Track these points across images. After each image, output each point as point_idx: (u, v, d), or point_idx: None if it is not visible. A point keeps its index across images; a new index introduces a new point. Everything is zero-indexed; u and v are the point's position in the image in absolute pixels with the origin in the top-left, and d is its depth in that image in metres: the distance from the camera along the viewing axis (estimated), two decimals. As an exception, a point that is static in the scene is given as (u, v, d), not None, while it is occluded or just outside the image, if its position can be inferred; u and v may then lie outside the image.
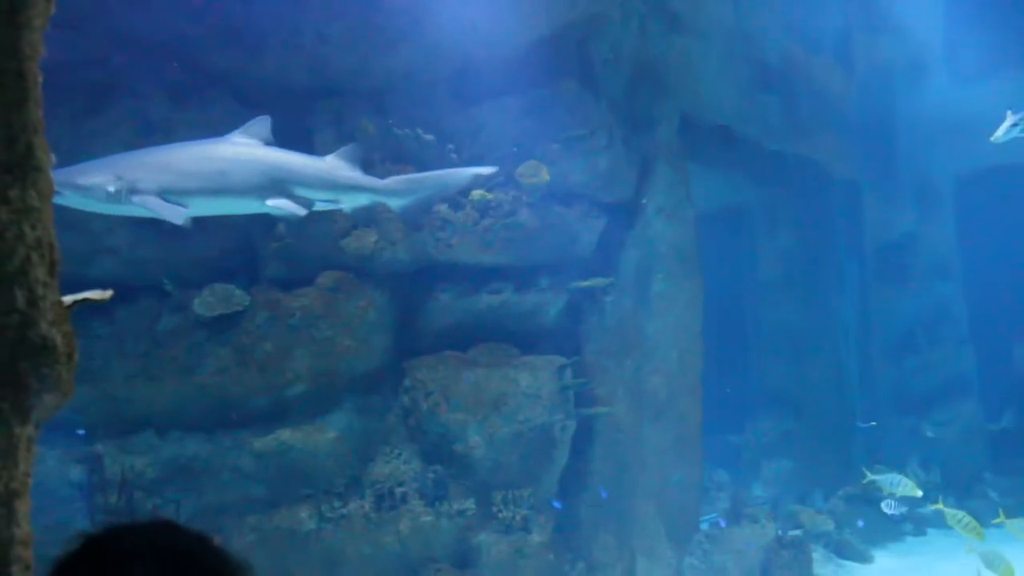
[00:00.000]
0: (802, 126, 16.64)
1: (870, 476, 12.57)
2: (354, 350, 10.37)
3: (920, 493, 14.28)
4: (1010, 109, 12.87)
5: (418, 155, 10.59)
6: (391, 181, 8.94)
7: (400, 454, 10.54)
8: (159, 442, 9.78)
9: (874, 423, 17.50)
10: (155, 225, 8.83)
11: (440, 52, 10.55)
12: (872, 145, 18.57)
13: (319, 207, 8.51)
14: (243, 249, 10.52)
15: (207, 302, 9.99)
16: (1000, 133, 12.79)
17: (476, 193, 10.62)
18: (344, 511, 10.06)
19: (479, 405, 10.55)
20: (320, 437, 10.18)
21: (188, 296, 9.93)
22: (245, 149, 8.12)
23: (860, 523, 15.11)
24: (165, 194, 7.49)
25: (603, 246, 11.83)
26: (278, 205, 8.13)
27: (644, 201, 12.22)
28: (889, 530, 15.85)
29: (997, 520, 12.31)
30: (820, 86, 17.29)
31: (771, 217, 18.79)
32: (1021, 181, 17.68)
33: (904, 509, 13.47)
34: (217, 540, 1.74)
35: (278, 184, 8.14)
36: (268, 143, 8.31)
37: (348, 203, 8.72)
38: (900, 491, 12.84)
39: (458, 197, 10.68)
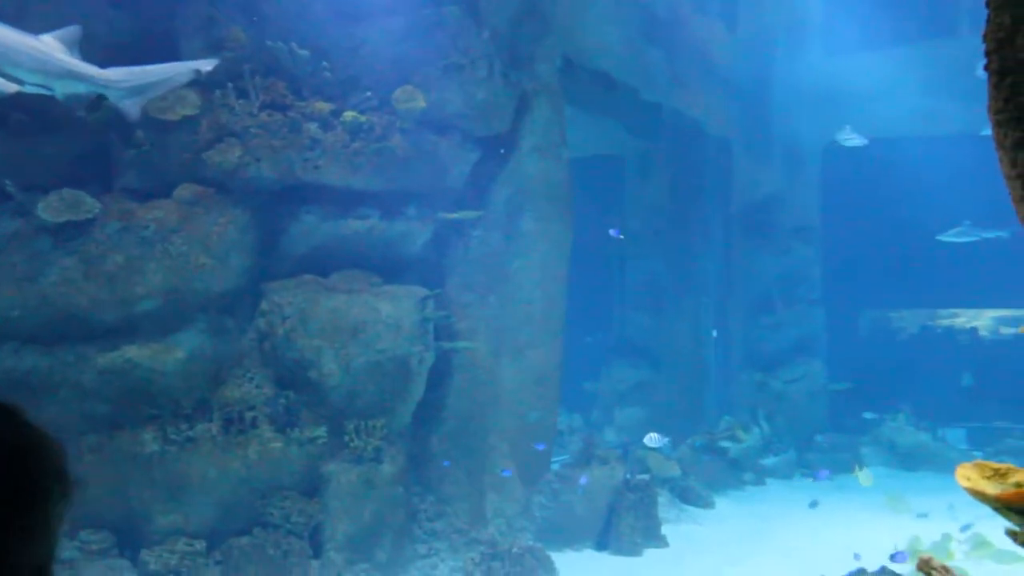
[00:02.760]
0: (682, 80, 16.79)
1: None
2: (210, 268, 9.99)
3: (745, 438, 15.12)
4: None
5: (291, 70, 10.20)
6: (111, 72, 8.14)
7: (252, 378, 10.25)
8: (-7, 352, 9.26)
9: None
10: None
11: (322, -37, 10.15)
12: (747, 106, 18.95)
13: (29, 89, 7.75)
14: (97, 155, 10.00)
15: (53, 207, 9.45)
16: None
17: (348, 115, 10.30)
18: (190, 434, 9.74)
19: (337, 332, 10.32)
20: (169, 356, 9.81)
21: (33, 200, 9.36)
22: None
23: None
24: None
25: (474, 179, 11.69)
26: None
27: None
28: (731, 478, 16.44)
29: (854, 473, 13.15)
30: (703, 43, 17.46)
31: (643, 169, 19.00)
32: (883, 154, 18.30)
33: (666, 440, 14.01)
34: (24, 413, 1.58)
35: None
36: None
37: (61, 89, 7.86)
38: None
39: (330, 118, 10.34)
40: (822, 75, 19.09)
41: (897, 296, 22.82)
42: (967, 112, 17.11)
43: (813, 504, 14.76)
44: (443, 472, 11.29)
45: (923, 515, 13.66)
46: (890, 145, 18.14)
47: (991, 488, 3.47)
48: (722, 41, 18.24)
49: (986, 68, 3.42)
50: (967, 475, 3.60)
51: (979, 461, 3.73)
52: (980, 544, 10.71)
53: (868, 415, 19.09)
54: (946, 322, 24.90)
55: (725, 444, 16.44)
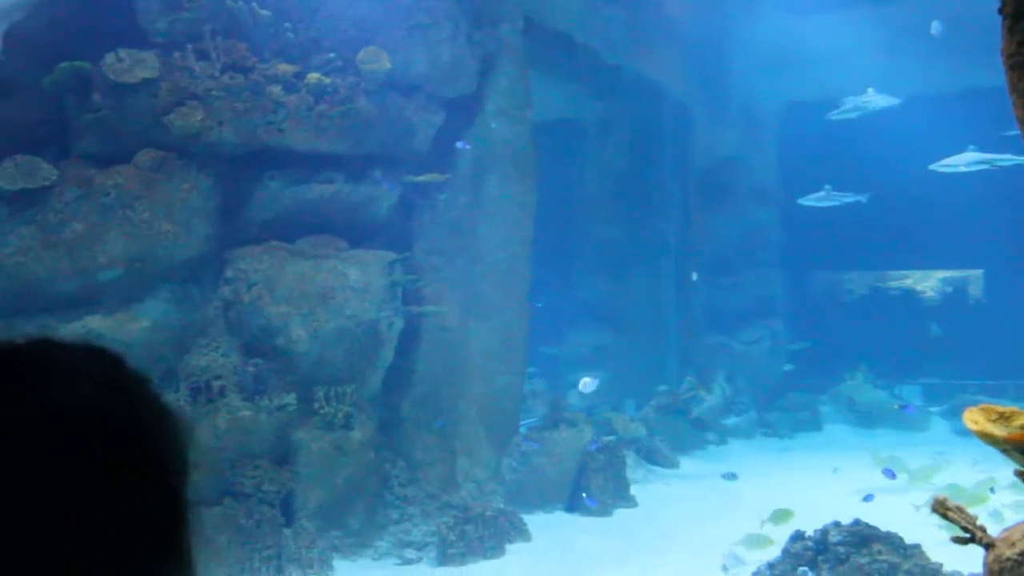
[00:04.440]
0: (642, 43, 16.74)
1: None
2: (173, 235, 9.79)
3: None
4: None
5: (251, 30, 9.96)
6: None
7: (218, 347, 10.09)
8: (-52, 323, 8.99)
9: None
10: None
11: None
12: (705, 68, 18.94)
13: None
14: (53, 119, 9.71)
15: (8, 174, 9.19)
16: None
17: (312, 76, 10.11)
18: (157, 404, 9.55)
19: (304, 298, 10.20)
20: (133, 326, 9.62)
21: (-13, 166, 9.08)
22: None
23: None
24: None
25: (440, 142, 11.57)
26: None
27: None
28: (695, 438, 16.61)
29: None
30: (662, 5, 17.40)
31: (602, 132, 18.97)
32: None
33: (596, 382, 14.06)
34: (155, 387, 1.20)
35: None
36: None
37: None
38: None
39: (294, 80, 10.14)
40: (780, 36, 19.09)
41: (850, 258, 23.09)
42: (923, 74, 17.36)
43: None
44: (414, 437, 11.25)
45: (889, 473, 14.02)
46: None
47: (999, 430, 3.51)
48: (681, 1, 18.19)
49: (1000, 11, 3.39)
50: (974, 419, 3.63)
51: (984, 405, 3.77)
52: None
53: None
54: (895, 284, 25.26)
55: (691, 403, 16.59)
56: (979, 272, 23.09)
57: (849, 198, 16.83)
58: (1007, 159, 14.55)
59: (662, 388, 17.34)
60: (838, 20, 18.28)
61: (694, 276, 17.78)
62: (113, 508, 1.04)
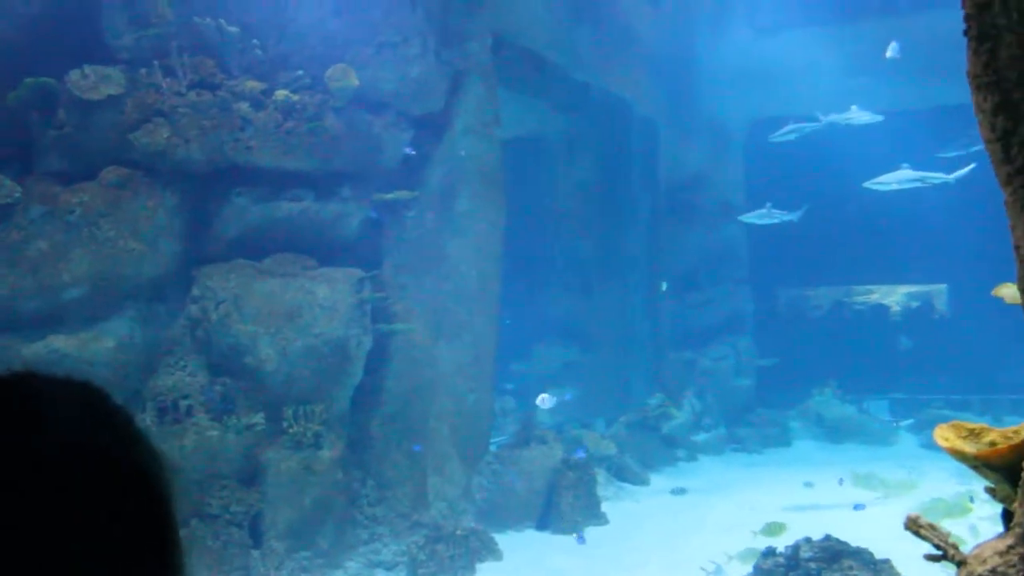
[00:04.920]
0: (609, 60, 16.82)
1: None
2: (139, 254, 9.68)
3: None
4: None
5: (219, 47, 9.90)
6: None
7: (186, 366, 9.98)
8: (-91, 343, 8.84)
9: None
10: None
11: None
12: (672, 85, 19.06)
13: None
14: (17, 135, 9.58)
15: (-29, 191, 9.04)
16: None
17: (280, 94, 10.06)
18: (122, 424, 9.41)
19: (273, 317, 10.11)
20: (98, 346, 9.49)
21: (-52, 183, 8.95)
22: None
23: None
24: None
25: (409, 159, 11.54)
26: None
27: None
28: (664, 455, 16.61)
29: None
30: (629, 22, 17.51)
31: (571, 148, 19.01)
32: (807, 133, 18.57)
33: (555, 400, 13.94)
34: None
35: None
36: None
37: None
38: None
39: (261, 97, 10.08)
40: (746, 54, 19.30)
41: (817, 274, 23.26)
42: (887, 92, 17.57)
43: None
44: (384, 456, 11.16)
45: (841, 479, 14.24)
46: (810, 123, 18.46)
47: (969, 447, 3.52)
48: (647, 18, 18.32)
49: (965, 33, 3.43)
50: (945, 435, 3.64)
51: (955, 422, 3.79)
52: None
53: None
54: (861, 299, 25.46)
55: (660, 420, 16.61)
56: (943, 287, 23.33)
57: (788, 217, 17.11)
58: (937, 177, 14.97)
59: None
60: (803, 38, 18.52)
61: (664, 286, 17.81)
62: (115, 538, 1.06)
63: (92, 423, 1.11)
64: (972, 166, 14.55)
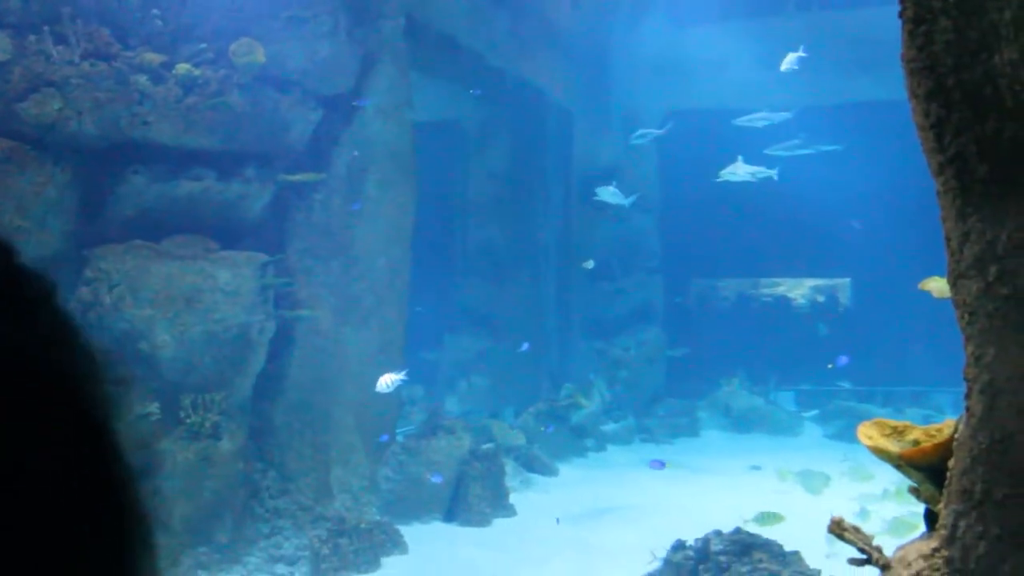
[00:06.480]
0: (526, 47, 16.63)
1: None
2: (27, 233, 9.10)
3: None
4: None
5: (116, 16, 9.39)
6: None
7: (76, 351, 9.46)
8: None
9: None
10: None
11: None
12: (589, 75, 18.98)
13: None
14: None
15: None
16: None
17: (181, 67, 9.59)
18: (5, 412, 8.89)
19: (170, 301, 9.66)
20: (-21, 328, 8.91)
21: None
22: None
23: (549, 428, 15.72)
24: None
25: (316, 140, 11.16)
26: None
27: (358, 103, 11.56)
28: (574, 445, 16.53)
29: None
30: (546, 9, 17.33)
31: (484, 136, 18.80)
32: (716, 126, 18.67)
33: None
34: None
35: None
36: None
37: None
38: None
39: (161, 70, 9.60)
40: (662, 46, 19.32)
41: (725, 265, 23.48)
42: (802, 85, 17.73)
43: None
44: (287, 446, 10.80)
45: (756, 467, 14.33)
46: (724, 117, 18.56)
47: (893, 446, 3.40)
48: (566, 7, 18.17)
49: (900, 15, 3.29)
50: (868, 434, 3.52)
51: (878, 419, 3.67)
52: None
53: None
54: (768, 291, 25.82)
55: (570, 410, 16.53)
56: (847, 281, 23.79)
57: (628, 200, 17.00)
58: (762, 172, 15.27)
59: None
60: (718, 31, 18.59)
61: (590, 264, 17.58)
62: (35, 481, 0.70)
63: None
64: (775, 171, 14.89)
